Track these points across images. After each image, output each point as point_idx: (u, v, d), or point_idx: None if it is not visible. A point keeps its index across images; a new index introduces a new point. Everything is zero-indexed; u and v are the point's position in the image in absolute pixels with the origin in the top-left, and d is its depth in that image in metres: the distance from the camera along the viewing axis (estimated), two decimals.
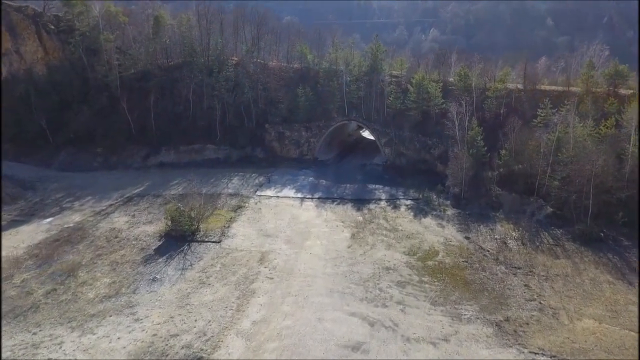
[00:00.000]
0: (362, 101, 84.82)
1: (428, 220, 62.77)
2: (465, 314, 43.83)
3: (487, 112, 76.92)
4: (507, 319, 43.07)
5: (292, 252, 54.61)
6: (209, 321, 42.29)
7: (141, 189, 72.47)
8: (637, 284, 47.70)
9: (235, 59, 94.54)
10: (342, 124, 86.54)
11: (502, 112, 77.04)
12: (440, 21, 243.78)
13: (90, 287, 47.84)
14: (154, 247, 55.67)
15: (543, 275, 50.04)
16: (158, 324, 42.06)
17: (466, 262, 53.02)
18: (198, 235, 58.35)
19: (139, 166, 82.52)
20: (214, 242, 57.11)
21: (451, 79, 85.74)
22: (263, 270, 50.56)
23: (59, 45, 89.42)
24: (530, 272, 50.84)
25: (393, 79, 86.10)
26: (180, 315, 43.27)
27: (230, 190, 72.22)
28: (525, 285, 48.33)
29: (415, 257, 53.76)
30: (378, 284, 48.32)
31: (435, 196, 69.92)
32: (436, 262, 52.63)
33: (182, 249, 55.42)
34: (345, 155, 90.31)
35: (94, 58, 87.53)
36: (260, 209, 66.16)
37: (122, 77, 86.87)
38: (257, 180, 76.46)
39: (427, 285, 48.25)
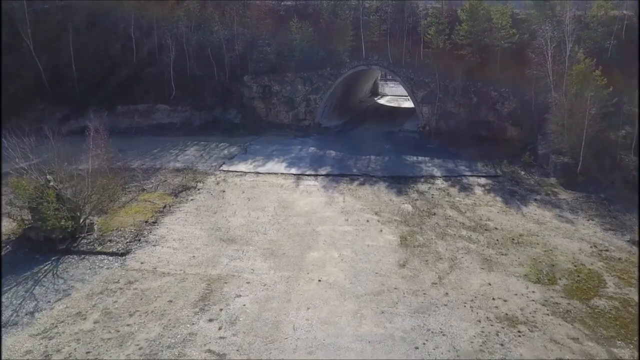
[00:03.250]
0: (388, 38, 53.26)
1: (535, 210, 31.26)
2: None
3: (585, 46, 45.83)
4: None
5: (277, 277, 22.94)
6: None
7: (25, 163, 40.14)
8: None
9: None
10: (356, 72, 54.57)
11: (609, 45, 46.08)
12: None
13: None
14: None
15: None
16: None
17: None
18: (84, 241, 26.56)
19: (51, 132, 50.13)
20: (112, 254, 25.21)
21: (516, 10, 54.67)
22: (204, 330, 18.76)
23: None
24: None
25: (431, 11, 54.95)
26: None
27: (178, 164, 40.26)
28: None
29: (556, 287, 22.23)
30: None
31: (522, 171, 38.80)
32: (611, 302, 21.19)
33: (36, 269, 23.48)
34: (359, 123, 58.42)
35: None
36: (223, 191, 34.29)
37: (34, 10, 54.68)
38: (226, 151, 44.44)
39: None
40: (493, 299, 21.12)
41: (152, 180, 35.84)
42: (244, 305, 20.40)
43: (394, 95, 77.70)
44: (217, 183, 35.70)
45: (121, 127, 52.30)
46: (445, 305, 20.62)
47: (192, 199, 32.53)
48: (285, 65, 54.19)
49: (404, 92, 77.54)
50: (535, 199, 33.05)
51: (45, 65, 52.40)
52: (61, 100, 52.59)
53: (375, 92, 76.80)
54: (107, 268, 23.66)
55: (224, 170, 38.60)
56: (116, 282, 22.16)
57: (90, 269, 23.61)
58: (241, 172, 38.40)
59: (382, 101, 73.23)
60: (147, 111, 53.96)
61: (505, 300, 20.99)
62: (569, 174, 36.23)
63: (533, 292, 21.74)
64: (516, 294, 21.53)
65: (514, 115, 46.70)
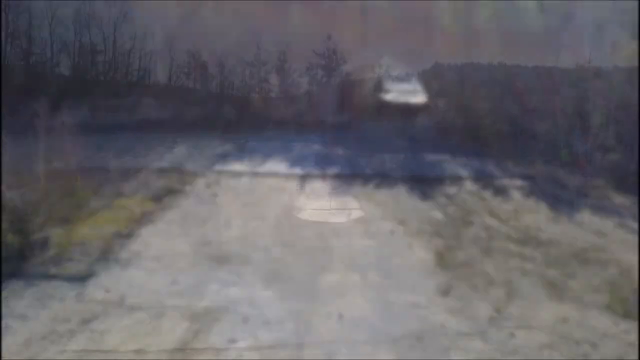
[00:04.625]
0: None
1: (591, 218, 25.75)
2: None
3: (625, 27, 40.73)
4: None
5: (284, 312, 17.06)
6: None
7: None
8: None
9: None
10: (361, 64, 49.58)
11: None
12: None
13: None
14: None
15: None
16: None
17: None
18: (36, 260, 20.80)
19: (16, 130, 44.27)
20: (69, 278, 19.49)
21: None
22: None
23: None
24: None
25: None
26: None
27: (163, 164, 34.48)
28: None
29: None
30: None
31: (561, 171, 33.47)
32: None
33: None
34: (365, 119, 52.91)
35: None
36: (215, 195, 28.60)
37: None
38: (219, 149, 38.79)
39: None
40: (577, 342, 15.53)
41: (131, 183, 30.08)
42: (241, 356, 14.68)
43: (400, 91, 72.32)
44: (208, 186, 30.00)
45: (103, 123, 46.55)
46: (515, 352, 15.01)
47: (176, 205, 26.76)
48: (285, 55, 48.74)
49: (410, 88, 72.62)
50: (587, 205, 27.64)
51: (10, 52, 46.51)
52: (36, 92, 46.77)
53: (380, 88, 71.33)
54: (60, 299, 17.81)
55: (216, 170, 32.93)
56: (67, 321, 16.32)
57: (37, 299, 17.73)
58: (236, 172, 32.73)
59: (388, 97, 67.65)
60: (132, 105, 47.94)
61: (594, 345, 15.38)
62: (620, 174, 30.95)
63: (626, 331, 16.16)
64: (605, 335, 15.93)
65: (543, 107, 41.48)
